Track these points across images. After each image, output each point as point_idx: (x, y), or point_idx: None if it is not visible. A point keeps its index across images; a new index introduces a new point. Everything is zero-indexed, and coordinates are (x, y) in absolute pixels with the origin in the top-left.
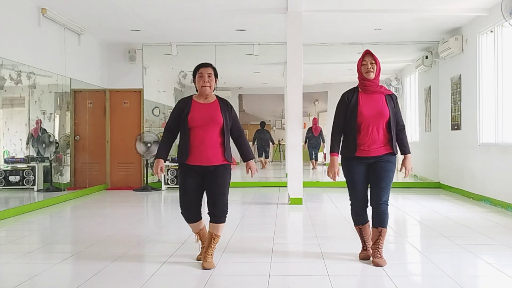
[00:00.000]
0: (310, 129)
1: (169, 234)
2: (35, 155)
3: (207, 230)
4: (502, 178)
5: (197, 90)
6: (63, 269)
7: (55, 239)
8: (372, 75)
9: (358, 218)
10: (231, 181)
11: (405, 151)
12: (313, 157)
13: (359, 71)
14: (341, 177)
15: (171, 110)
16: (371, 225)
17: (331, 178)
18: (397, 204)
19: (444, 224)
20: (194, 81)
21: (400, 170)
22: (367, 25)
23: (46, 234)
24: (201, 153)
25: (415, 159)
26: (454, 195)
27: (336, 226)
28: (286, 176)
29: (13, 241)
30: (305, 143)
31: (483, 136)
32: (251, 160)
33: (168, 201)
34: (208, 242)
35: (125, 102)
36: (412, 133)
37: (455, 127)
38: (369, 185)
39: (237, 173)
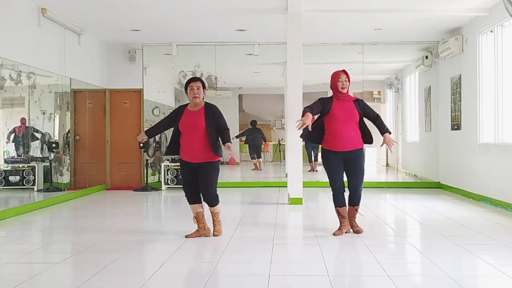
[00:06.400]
0: None
1: (169, 234)
2: (15, 153)
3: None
4: (502, 178)
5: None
6: (63, 269)
7: (55, 239)
8: (345, 90)
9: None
10: (232, 180)
11: (383, 131)
12: (313, 158)
13: (335, 84)
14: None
15: (171, 111)
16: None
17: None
18: (397, 204)
19: (444, 224)
20: (186, 92)
21: (382, 145)
22: (367, 25)
23: (46, 234)
24: (190, 152)
25: (415, 159)
26: (454, 195)
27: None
28: (286, 176)
29: (13, 241)
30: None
31: (483, 136)
32: (228, 143)
33: (168, 201)
34: (212, 219)
35: (125, 102)
36: (412, 133)
37: (455, 127)
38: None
39: (237, 173)
